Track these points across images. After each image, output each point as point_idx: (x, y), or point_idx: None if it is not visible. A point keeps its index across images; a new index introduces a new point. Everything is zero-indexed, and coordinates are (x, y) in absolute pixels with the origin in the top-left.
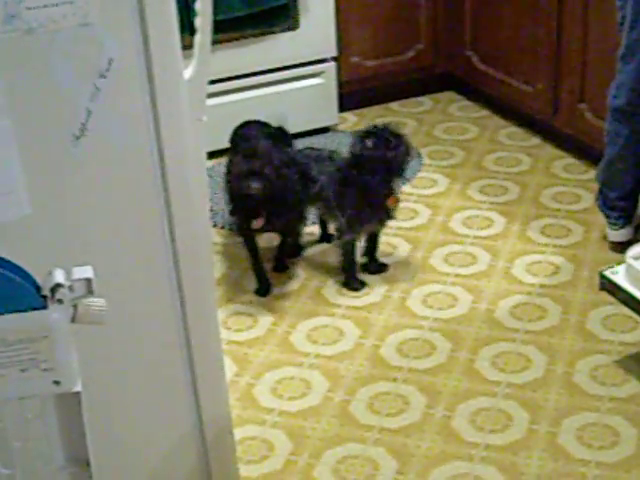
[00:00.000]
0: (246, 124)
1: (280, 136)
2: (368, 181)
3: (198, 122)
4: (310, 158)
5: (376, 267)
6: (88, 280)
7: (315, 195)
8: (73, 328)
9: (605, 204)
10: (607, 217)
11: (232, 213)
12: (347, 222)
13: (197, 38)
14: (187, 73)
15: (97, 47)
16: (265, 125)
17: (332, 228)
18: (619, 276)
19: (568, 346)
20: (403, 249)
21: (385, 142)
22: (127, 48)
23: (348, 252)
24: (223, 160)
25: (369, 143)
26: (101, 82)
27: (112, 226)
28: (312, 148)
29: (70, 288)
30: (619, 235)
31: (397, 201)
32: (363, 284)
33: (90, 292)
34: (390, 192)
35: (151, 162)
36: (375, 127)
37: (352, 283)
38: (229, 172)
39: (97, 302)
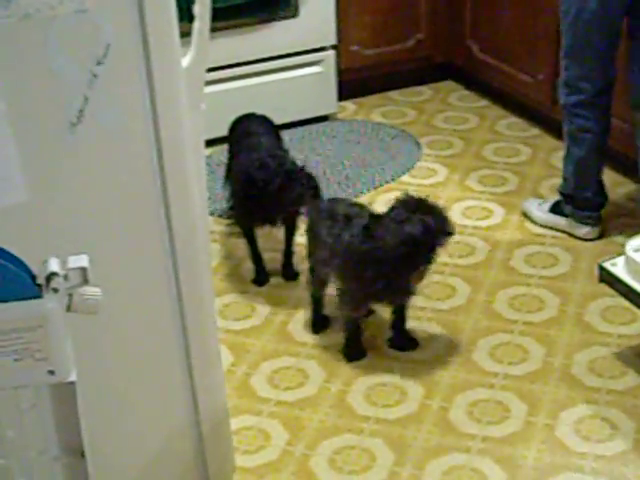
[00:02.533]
0: (245, 118)
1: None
2: (388, 257)
3: (196, 110)
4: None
5: (404, 342)
6: (83, 269)
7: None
8: (68, 317)
9: (579, 208)
10: (582, 219)
11: (235, 208)
12: (350, 297)
13: (195, 25)
14: (185, 61)
15: (94, 33)
16: (265, 119)
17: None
18: (618, 268)
19: (566, 338)
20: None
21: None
22: (124, 34)
23: (349, 325)
24: (221, 148)
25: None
26: (98, 69)
27: (108, 214)
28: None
29: (65, 277)
30: (596, 232)
31: (421, 278)
32: (363, 354)
33: (85, 281)
34: (414, 268)
35: (148, 149)
36: (410, 200)
37: (349, 354)
38: (231, 168)
39: (92, 291)
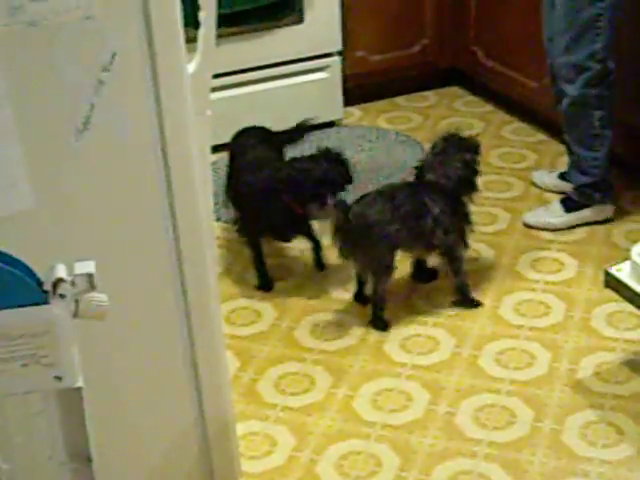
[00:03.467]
0: (245, 132)
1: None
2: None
3: (202, 116)
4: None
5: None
6: (90, 275)
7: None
8: (75, 323)
9: (606, 190)
10: (608, 200)
11: (242, 220)
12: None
13: (201, 32)
14: (191, 67)
15: (100, 40)
16: (265, 131)
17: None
18: (624, 273)
19: (572, 343)
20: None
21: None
22: (131, 42)
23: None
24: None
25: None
26: (105, 76)
27: (115, 221)
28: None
29: (72, 283)
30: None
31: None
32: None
33: (92, 287)
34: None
35: (154, 156)
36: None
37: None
38: (232, 178)
39: (99, 297)
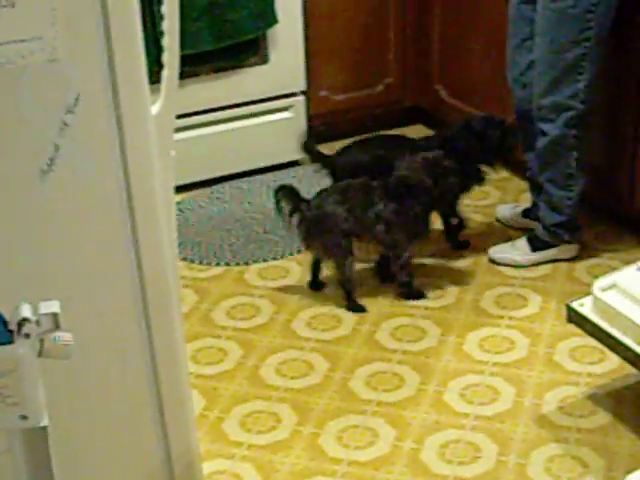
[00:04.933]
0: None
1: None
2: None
3: (166, 157)
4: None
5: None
6: (55, 315)
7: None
8: (40, 362)
9: (576, 229)
10: (577, 238)
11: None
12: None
13: (164, 73)
14: (155, 108)
15: (65, 83)
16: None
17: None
18: (586, 308)
19: (536, 378)
20: (373, 284)
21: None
22: (95, 83)
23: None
24: (193, 194)
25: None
26: (69, 117)
27: (79, 260)
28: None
29: (37, 322)
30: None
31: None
32: (422, 294)
33: (57, 327)
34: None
35: (119, 196)
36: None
37: (412, 293)
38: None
39: (64, 336)
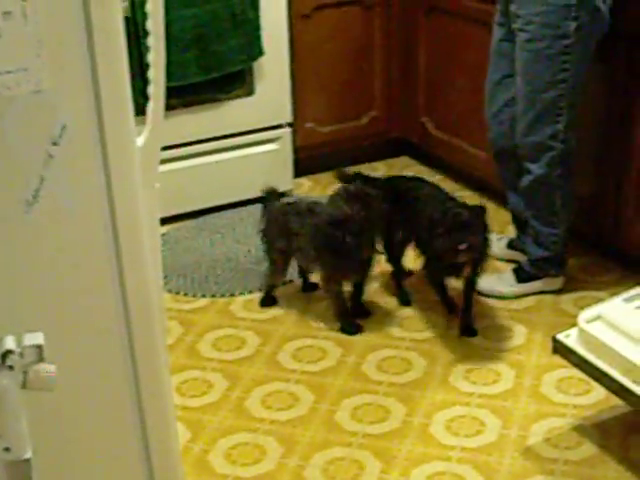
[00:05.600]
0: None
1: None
2: (347, 241)
3: (151, 189)
4: (290, 212)
5: (360, 311)
6: (39, 347)
7: (297, 248)
8: (23, 394)
9: (564, 263)
10: (562, 271)
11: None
12: (327, 276)
13: (150, 106)
14: (140, 140)
15: (50, 114)
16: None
17: (315, 277)
18: (572, 339)
19: (522, 410)
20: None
21: (362, 202)
22: (80, 115)
23: (335, 300)
24: (177, 225)
25: (347, 207)
26: (54, 149)
27: (64, 292)
28: (289, 203)
29: (21, 354)
30: None
31: (374, 252)
32: (359, 328)
33: (41, 359)
34: (367, 247)
35: (104, 228)
36: (349, 188)
37: (347, 327)
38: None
39: (48, 368)
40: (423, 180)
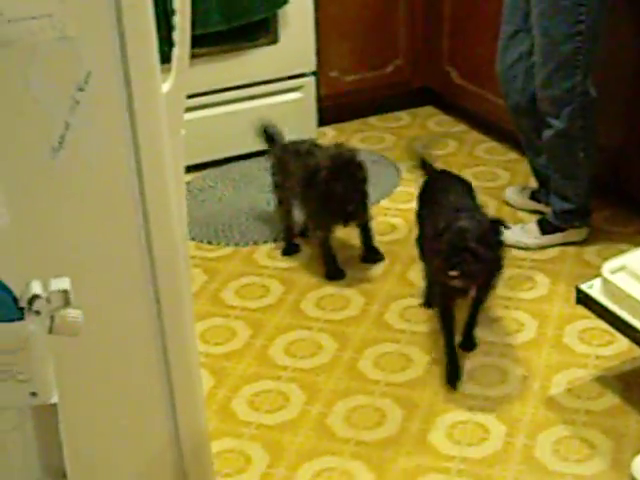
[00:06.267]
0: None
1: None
2: (329, 189)
3: (177, 135)
4: (290, 151)
5: (372, 256)
6: (65, 292)
7: (289, 187)
8: (50, 339)
9: (588, 214)
10: (587, 222)
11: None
12: (313, 221)
13: (175, 52)
14: (165, 87)
15: (75, 60)
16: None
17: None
18: (595, 290)
19: (544, 360)
20: (379, 263)
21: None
22: (105, 61)
23: (321, 245)
24: (202, 174)
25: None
26: (79, 95)
27: (90, 238)
28: (293, 142)
29: (47, 299)
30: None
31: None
32: (342, 274)
33: (67, 303)
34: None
35: (129, 175)
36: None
37: (330, 273)
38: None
39: (74, 313)
40: (454, 176)
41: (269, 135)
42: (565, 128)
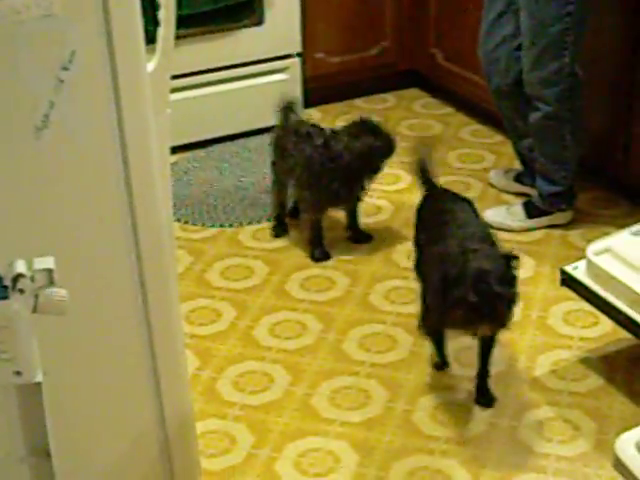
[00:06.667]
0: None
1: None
2: (349, 170)
3: (162, 115)
4: (290, 131)
5: (361, 237)
6: (49, 271)
7: (289, 169)
8: (34, 318)
9: (573, 196)
10: (571, 204)
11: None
12: (314, 201)
13: (160, 31)
14: (150, 65)
15: (60, 39)
16: None
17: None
18: (580, 271)
19: (529, 341)
20: (367, 244)
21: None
22: (90, 40)
23: (314, 226)
24: (187, 155)
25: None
26: (64, 74)
27: (74, 217)
28: (298, 121)
29: (31, 278)
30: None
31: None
32: (328, 256)
33: (51, 282)
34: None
35: (114, 154)
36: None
37: (316, 254)
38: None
39: (58, 292)
40: (455, 197)
41: (288, 110)
42: (553, 110)
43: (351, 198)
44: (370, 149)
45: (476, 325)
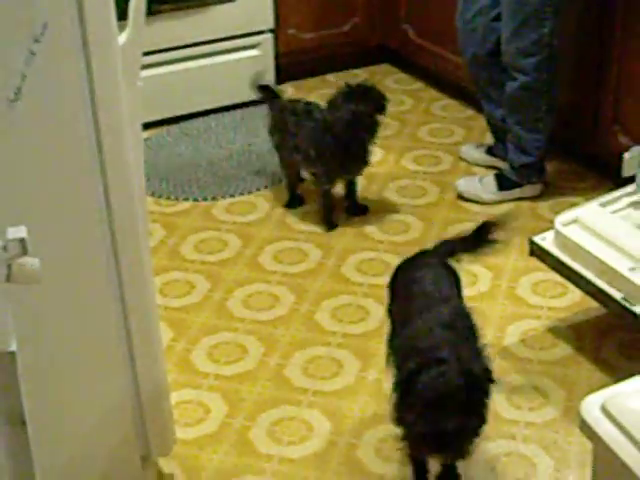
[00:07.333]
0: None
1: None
2: (349, 137)
3: (133, 87)
4: (288, 110)
5: (358, 209)
6: (22, 240)
7: (293, 146)
8: (7, 288)
9: (543, 169)
10: (542, 177)
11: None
12: (326, 173)
13: (132, 3)
14: (122, 38)
15: (32, 11)
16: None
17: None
18: (548, 242)
19: (499, 311)
20: (339, 218)
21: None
22: (62, 12)
23: (326, 196)
24: (160, 131)
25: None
26: (36, 46)
27: (47, 188)
28: (291, 100)
29: (4, 248)
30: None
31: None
32: (335, 226)
33: (24, 252)
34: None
35: (86, 126)
36: (351, 86)
37: (327, 223)
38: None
39: (31, 262)
40: (436, 265)
41: (264, 88)
42: (530, 80)
43: (359, 164)
44: (365, 109)
45: (426, 454)
